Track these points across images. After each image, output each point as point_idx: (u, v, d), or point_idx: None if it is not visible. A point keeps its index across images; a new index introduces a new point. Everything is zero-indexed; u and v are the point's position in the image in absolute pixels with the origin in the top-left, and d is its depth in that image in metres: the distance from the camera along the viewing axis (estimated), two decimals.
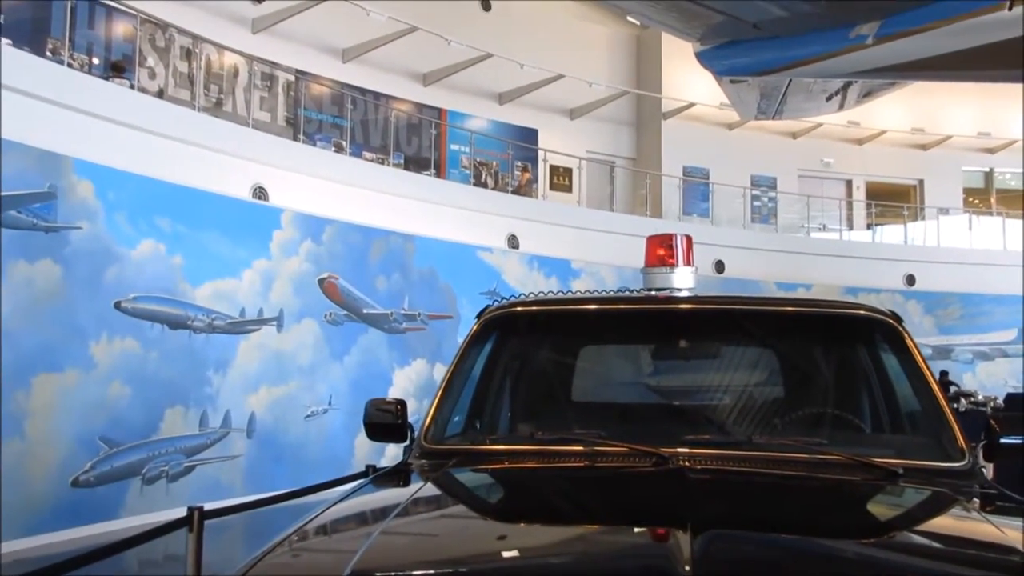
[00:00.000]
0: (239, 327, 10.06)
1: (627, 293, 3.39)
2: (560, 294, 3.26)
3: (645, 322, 3.15)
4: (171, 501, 8.81)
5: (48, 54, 9.31)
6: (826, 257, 17.75)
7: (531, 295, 3.21)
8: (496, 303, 3.22)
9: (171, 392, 9.19)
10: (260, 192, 10.72)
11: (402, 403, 2.92)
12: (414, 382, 12.07)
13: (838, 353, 3.10)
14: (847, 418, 2.91)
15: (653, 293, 3.29)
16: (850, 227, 20.57)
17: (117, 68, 10.60)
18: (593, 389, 3.35)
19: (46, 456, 7.91)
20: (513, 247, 13.97)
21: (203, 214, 9.63)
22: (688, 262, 3.33)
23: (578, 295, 3.23)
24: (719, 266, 16.37)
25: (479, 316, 3.15)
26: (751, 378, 3.06)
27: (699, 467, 2.38)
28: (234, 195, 10.19)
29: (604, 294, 3.51)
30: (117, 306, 8.62)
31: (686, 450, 2.48)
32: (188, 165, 9.65)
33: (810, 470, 2.39)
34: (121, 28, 11.03)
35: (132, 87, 10.04)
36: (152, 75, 11.22)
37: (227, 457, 9.82)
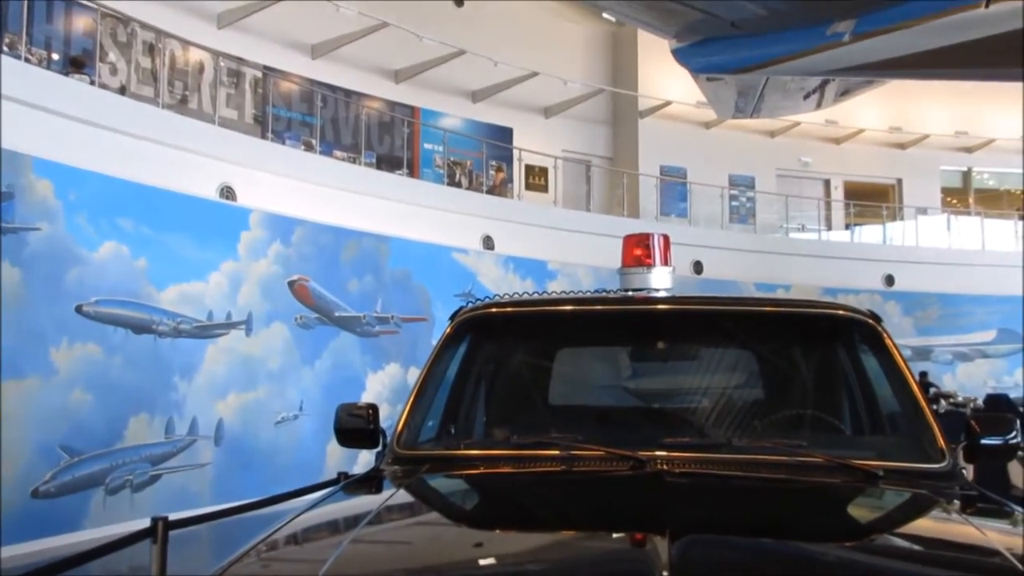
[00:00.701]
0: (206, 331, 9.97)
1: (604, 294, 3.40)
2: (536, 295, 3.27)
3: (622, 323, 3.16)
4: (136, 512, 8.70)
5: (5, 49, 9.18)
6: (805, 257, 17.93)
7: (506, 296, 3.21)
8: (470, 305, 3.23)
9: (135, 399, 9.09)
10: (227, 192, 10.62)
11: (374, 408, 2.91)
12: (387, 386, 12.04)
13: (817, 354, 3.12)
14: (827, 420, 2.93)
15: (630, 294, 3.30)
16: (829, 227, 20.78)
17: (77, 63, 10.45)
18: (570, 392, 3.35)
19: (5, 466, 7.79)
20: (488, 248, 13.98)
21: (168, 215, 9.53)
22: (666, 262, 3.34)
23: (554, 296, 3.24)
24: (697, 267, 16.46)
25: (452, 318, 3.16)
26: (730, 380, 3.07)
27: (677, 470, 2.39)
28: (200, 195, 10.10)
29: (581, 295, 3.51)
30: (79, 310, 8.51)
31: (664, 453, 2.48)
32: (152, 164, 9.55)
33: (790, 472, 2.40)
34: (81, 22, 10.89)
35: (93, 83, 9.93)
36: (114, 71, 11.09)
37: (194, 465, 9.73)
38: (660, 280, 3.31)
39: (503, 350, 3.27)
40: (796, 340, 3.09)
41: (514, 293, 3.29)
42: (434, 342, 3.18)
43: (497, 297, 3.21)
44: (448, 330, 3.11)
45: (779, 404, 2.98)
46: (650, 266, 3.32)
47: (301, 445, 10.91)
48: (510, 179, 16.64)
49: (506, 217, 14.38)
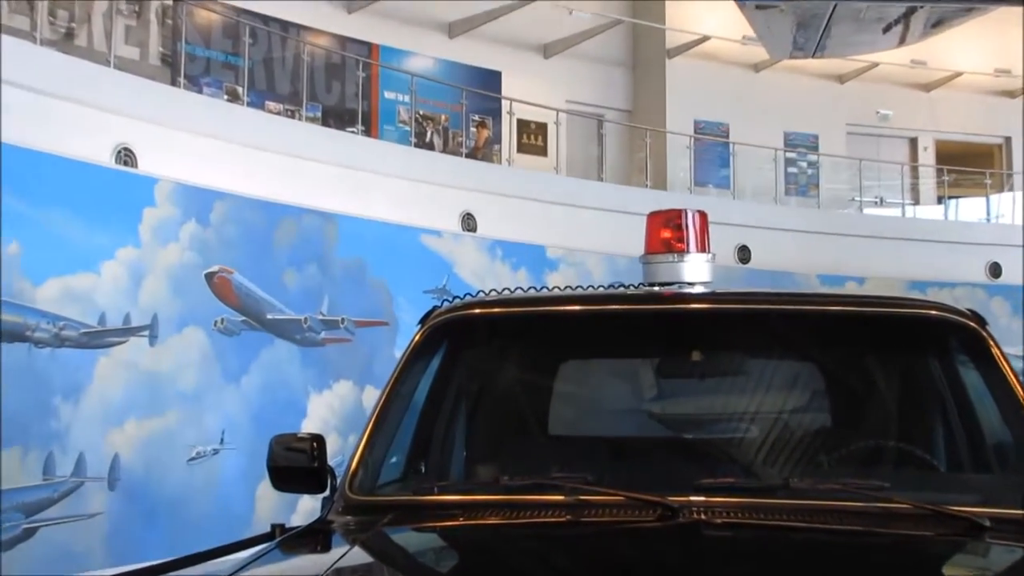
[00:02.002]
0: (97, 339, 9.95)
1: (622, 290, 3.42)
2: (532, 292, 3.25)
3: (646, 328, 3.20)
4: None
5: None
6: (884, 240, 17.97)
7: (493, 293, 3.21)
8: (446, 304, 3.26)
9: (3, 428, 9.06)
10: (126, 155, 10.60)
11: (319, 440, 2.93)
12: (337, 412, 12.07)
13: (902, 367, 3.17)
14: (916, 453, 2.95)
15: (656, 290, 3.33)
16: (915, 201, 20.88)
17: None
18: (577, 418, 3.40)
19: None
20: (469, 229, 13.99)
21: (47, 185, 9.49)
22: (703, 248, 3.36)
23: (556, 293, 3.22)
24: (743, 253, 16.49)
25: (423, 322, 3.19)
26: (787, 401, 3.12)
27: (719, 521, 2.41)
28: (90, 159, 10.07)
29: (591, 291, 3.50)
30: None
31: (702, 499, 2.50)
32: (25, 118, 9.50)
33: (868, 524, 2.43)
34: None
35: None
36: None
37: (81, 516, 9.70)
38: (695, 271, 3.34)
39: (489, 363, 3.32)
40: (874, 349, 3.13)
41: (503, 289, 3.30)
42: (399, 353, 3.22)
43: (481, 294, 3.24)
44: (417, 337, 3.14)
45: (852, 433, 3.01)
46: (682, 253, 3.33)
47: (223, 488, 10.90)
48: (497, 139, 16.64)
49: (493, 188, 14.39)
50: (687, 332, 3.17)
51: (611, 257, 14.36)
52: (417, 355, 3.12)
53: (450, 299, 3.34)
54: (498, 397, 3.32)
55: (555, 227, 14.72)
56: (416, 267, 13.07)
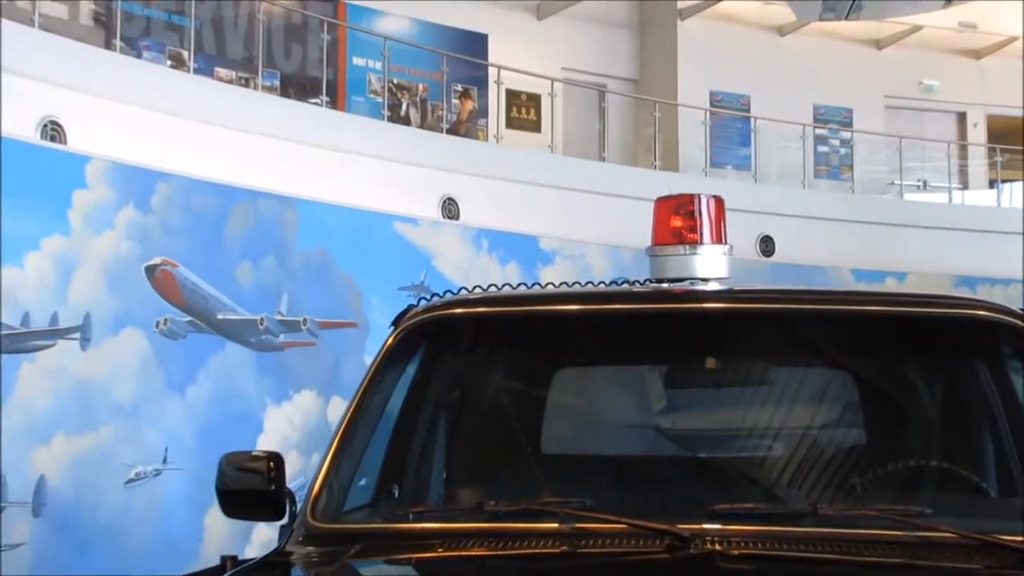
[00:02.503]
0: (20, 342, 9.91)
1: (625, 287, 3.45)
2: (523, 289, 3.25)
3: (653, 331, 3.24)
4: None
5: None
6: (928, 230, 17.99)
7: (478, 290, 3.21)
8: (424, 303, 3.29)
9: None
10: (53, 129, 10.56)
11: (277, 459, 2.93)
12: (298, 426, 12.06)
13: (946, 375, 3.21)
14: (962, 474, 2.97)
15: (665, 287, 3.34)
16: (964, 185, 20.91)
17: None
18: (574, 435, 3.43)
19: None
20: (450, 217, 13.99)
21: None
22: (719, 238, 3.38)
23: (550, 291, 3.23)
24: (766, 245, 16.56)
25: (397, 323, 3.22)
26: (816, 415, 3.16)
27: (736, 553, 2.42)
28: (11, 134, 10.04)
29: (590, 289, 3.51)
30: None
31: (717, 527, 2.52)
32: None
33: (907, 555, 2.44)
34: None
35: None
36: None
37: (2, 547, 9.67)
38: (710, 266, 3.35)
39: (473, 371, 3.36)
40: (914, 355, 3.18)
41: (490, 286, 3.31)
42: (369, 359, 3.26)
43: (464, 292, 3.26)
44: (390, 341, 3.17)
45: (889, 451, 3.03)
46: (695, 244, 3.34)
47: (166, 515, 10.86)
48: (484, 112, 16.62)
49: (478, 170, 14.38)
50: (701, 336, 3.20)
51: (614, 249, 14.41)
52: (390, 361, 3.14)
53: (428, 297, 3.35)
54: (483, 410, 3.35)
55: (550, 214, 14.72)
56: (389, 260, 13.06)
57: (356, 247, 12.81)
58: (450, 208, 14.06)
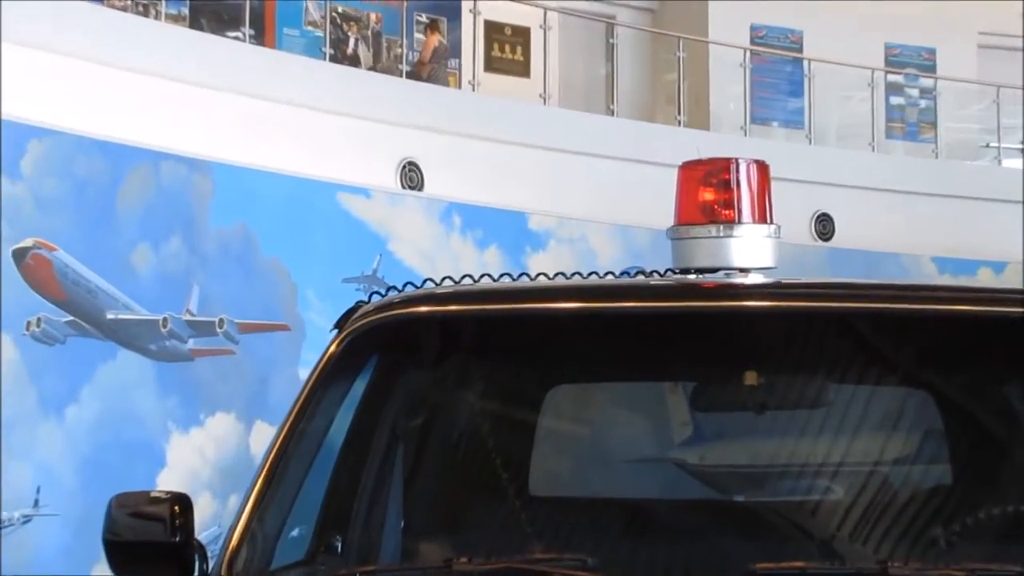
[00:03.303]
0: None
1: (640, 280, 3.42)
2: (506, 282, 3.27)
3: (676, 336, 3.27)
4: None
5: None
6: None
7: (447, 283, 3.35)
8: (377, 300, 3.32)
9: None
10: None
11: (183, 502, 2.94)
12: (211, 459, 12.06)
13: None
14: None
15: (692, 280, 3.37)
16: None
17: None
18: (572, 472, 3.50)
19: None
20: (412, 187, 13.99)
21: None
22: (762, 216, 3.41)
23: (542, 284, 3.25)
24: (823, 224, 16.66)
25: (342, 325, 3.25)
26: (887, 447, 3.19)
27: None
28: None
29: (594, 282, 3.53)
30: None
31: None
32: None
33: None
34: None
35: None
36: None
37: None
38: (751, 251, 3.38)
39: (441, 389, 3.41)
40: (1017, 370, 3.17)
41: (463, 277, 3.31)
42: (304, 373, 3.28)
43: (430, 285, 3.32)
44: (332, 349, 3.19)
45: (983, 493, 3.06)
46: (731, 224, 3.36)
47: (37, 570, 10.89)
48: (456, 51, 16.56)
49: (448, 125, 14.38)
50: (738, 343, 3.23)
51: (625, 230, 14.51)
52: (332, 376, 3.16)
53: (382, 292, 3.40)
54: (454, 439, 3.39)
55: (542, 184, 14.71)
56: (332, 243, 13.10)
57: (289, 225, 12.77)
58: (411, 175, 14.03)
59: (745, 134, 17.63)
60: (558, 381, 3.45)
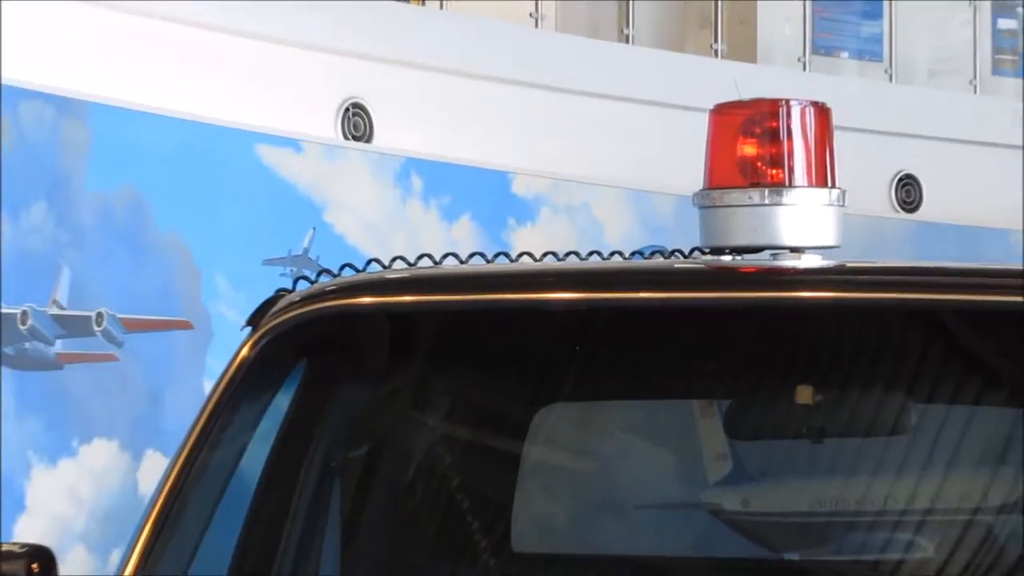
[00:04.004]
0: None
1: (659, 261, 3.39)
2: (480, 264, 3.25)
3: (707, 338, 3.35)
4: None
5: None
6: None
7: (399, 265, 3.21)
8: (304, 287, 3.43)
9: None
10: None
11: (44, 558, 3.04)
12: (86, 501, 12.15)
13: None
14: None
15: (727, 262, 3.44)
16: None
17: None
18: (569, 520, 3.54)
19: None
20: (357, 137, 14.04)
21: None
22: (822, 178, 3.45)
23: (528, 266, 3.23)
24: (907, 190, 16.88)
25: (257, 322, 3.35)
26: (991, 488, 3.21)
27: None
28: None
29: (598, 264, 3.50)
30: None
31: None
32: None
33: None
34: None
35: None
36: None
37: None
38: (807, 225, 3.41)
39: (393, 406, 3.50)
40: None
41: (420, 257, 3.27)
42: (210, 384, 3.30)
43: (378, 268, 3.21)
44: (246, 353, 3.29)
45: None
46: (780, 187, 3.38)
47: None
48: None
49: (405, 55, 14.46)
50: (788, 348, 3.31)
51: (641, 196, 14.65)
52: (245, 389, 3.24)
53: (312, 277, 3.33)
54: (408, 475, 3.43)
55: (531, 135, 14.86)
56: (250, 213, 13.16)
57: (192, 189, 12.84)
58: (356, 122, 14.06)
59: (804, 68, 17.80)
60: (549, 399, 3.46)
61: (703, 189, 3.39)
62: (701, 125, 3.48)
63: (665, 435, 3.53)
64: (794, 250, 3.32)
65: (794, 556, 3.21)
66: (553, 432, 3.42)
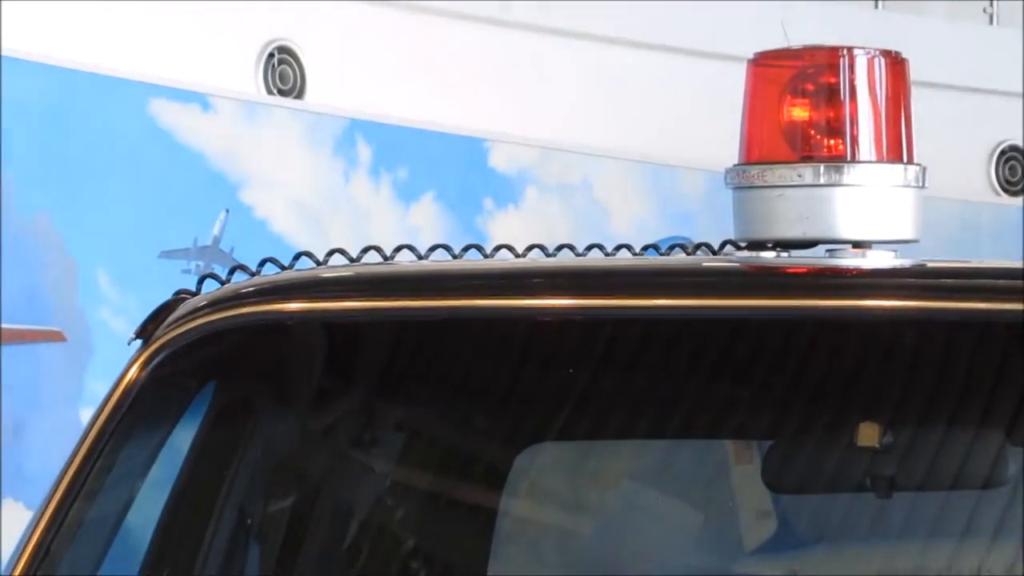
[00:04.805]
0: None
1: (680, 258, 3.48)
2: (441, 260, 3.34)
3: (741, 360, 3.43)
4: None
5: None
6: None
7: (339, 261, 3.28)
8: (213, 288, 3.53)
9: None
10: None
11: None
12: None
13: None
14: None
15: (769, 259, 3.53)
16: None
17: None
18: None
19: None
20: (284, 91, 14.13)
21: None
22: (895, 150, 3.55)
23: (510, 264, 3.32)
24: (1010, 167, 16.96)
25: (150, 333, 3.39)
26: None
27: None
28: None
29: (595, 261, 3.59)
30: None
31: None
32: None
33: None
34: None
35: None
36: None
37: None
38: (874, 212, 3.47)
39: (327, 445, 3.55)
40: None
41: (366, 250, 3.36)
42: (88, 414, 3.22)
43: (307, 264, 3.28)
44: (135, 373, 3.37)
45: None
46: (839, 161, 3.45)
47: None
48: None
49: None
50: (850, 373, 3.34)
51: (659, 171, 14.72)
52: (134, 419, 3.31)
53: (224, 275, 3.41)
54: (351, 533, 3.48)
55: (513, 91, 15.01)
56: (141, 190, 13.31)
57: (65, 159, 12.94)
58: (283, 71, 14.16)
59: (875, 5, 17.86)
60: (535, 436, 3.52)
61: (738, 164, 3.42)
62: (738, 79, 3.54)
63: (687, 486, 3.55)
64: (857, 245, 3.35)
65: None
66: (539, 480, 3.46)
